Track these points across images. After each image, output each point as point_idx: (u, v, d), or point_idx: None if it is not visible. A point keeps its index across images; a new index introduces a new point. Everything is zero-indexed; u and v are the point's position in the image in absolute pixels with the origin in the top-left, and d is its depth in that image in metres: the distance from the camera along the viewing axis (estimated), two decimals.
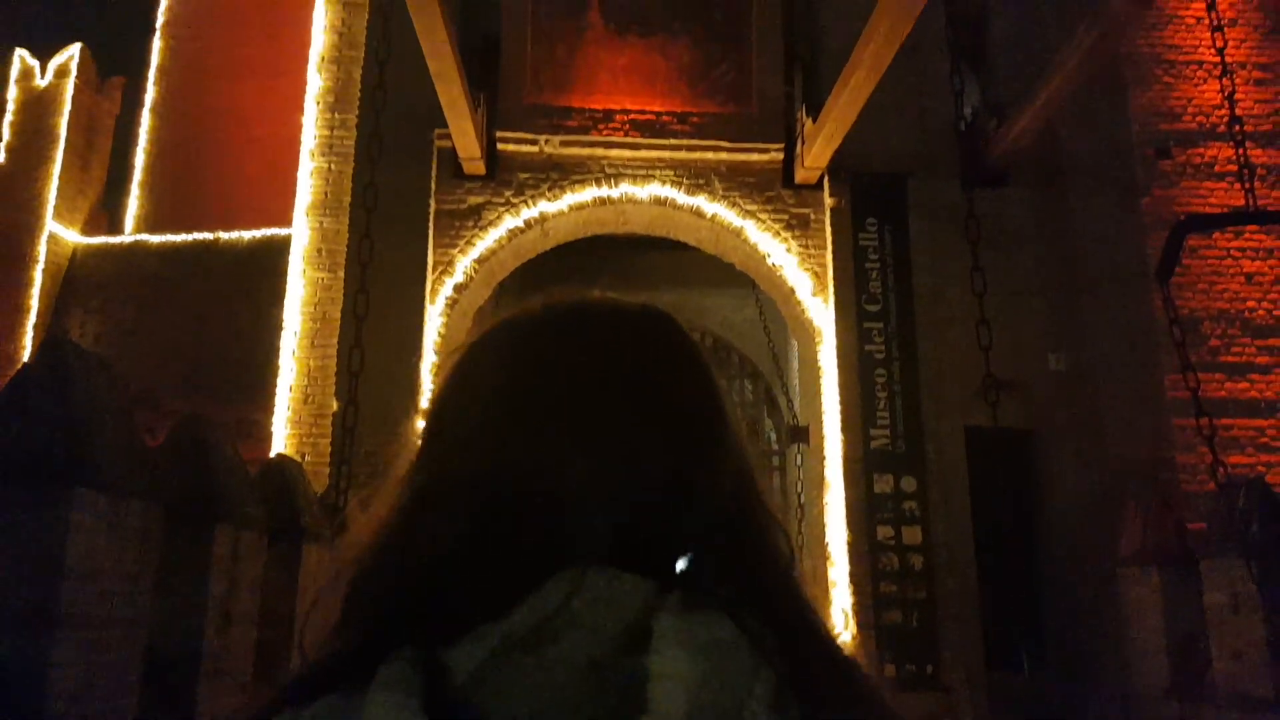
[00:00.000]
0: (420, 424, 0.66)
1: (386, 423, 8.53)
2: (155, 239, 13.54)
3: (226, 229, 13.21)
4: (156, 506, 3.35)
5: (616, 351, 0.60)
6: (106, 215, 14.45)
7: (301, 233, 8.75)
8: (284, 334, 8.65)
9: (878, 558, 8.57)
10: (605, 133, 8.94)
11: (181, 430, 4.07)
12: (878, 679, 0.62)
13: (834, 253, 9.06)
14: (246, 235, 13.19)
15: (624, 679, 0.49)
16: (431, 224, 8.73)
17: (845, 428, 8.83)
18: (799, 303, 9.13)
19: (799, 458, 10.39)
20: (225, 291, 12.56)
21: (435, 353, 8.84)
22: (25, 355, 12.08)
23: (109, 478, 3.12)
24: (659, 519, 0.55)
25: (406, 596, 0.56)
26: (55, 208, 12.86)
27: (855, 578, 8.49)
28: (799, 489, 10.40)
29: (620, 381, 0.58)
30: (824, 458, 9.04)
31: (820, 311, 9.09)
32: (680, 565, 0.55)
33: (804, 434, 10.24)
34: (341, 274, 8.54)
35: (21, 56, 13.25)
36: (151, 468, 3.48)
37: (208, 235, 13.29)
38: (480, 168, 8.62)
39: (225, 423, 10.56)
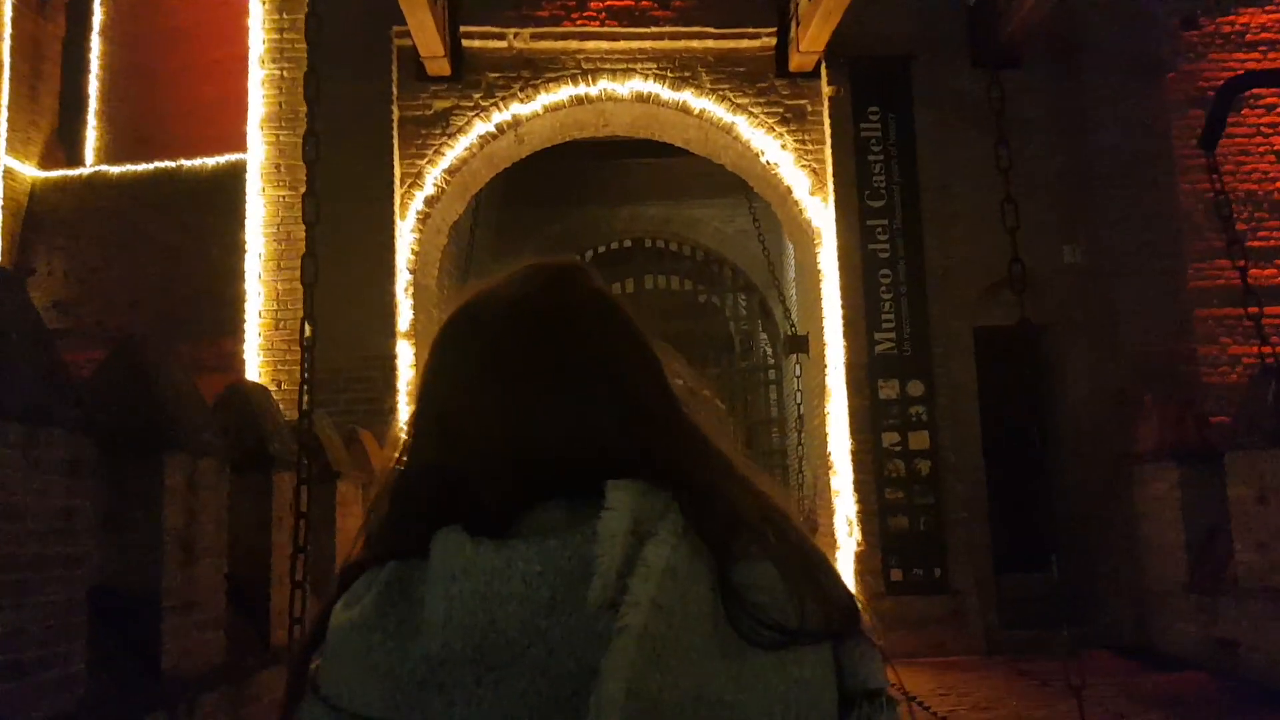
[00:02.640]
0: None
1: (360, 345, 8.09)
2: (116, 170, 12.90)
3: (189, 156, 12.58)
4: (86, 436, 2.95)
5: (578, 327, 0.76)
6: (64, 147, 13.76)
7: (257, 149, 8.16)
8: (247, 257, 8.13)
9: (884, 464, 8.25)
10: (580, 22, 8.28)
11: (119, 355, 3.63)
12: (800, 533, 0.75)
13: (833, 146, 8.51)
14: (210, 162, 12.55)
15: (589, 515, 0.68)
16: (396, 133, 8.13)
17: (848, 333, 8.41)
18: (796, 203, 8.61)
19: (798, 368, 10.00)
20: (193, 222, 11.98)
21: (409, 270, 8.34)
22: None
23: (20, 405, 2.69)
24: (609, 443, 0.72)
25: (441, 504, 0.72)
26: (7, 140, 12.15)
27: (860, 485, 8.17)
28: (798, 400, 10.04)
29: (582, 350, 0.75)
30: (825, 365, 8.64)
31: (819, 211, 8.58)
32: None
33: (803, 343, 9.83)
34: (304, 191, 7.96)
35: None
36: (79, 394, 3.05)
37: (170, 164, 12.65)
38: (445, 68, 7.98)
39: (205, 358, 10.13)
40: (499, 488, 0.71)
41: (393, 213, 8.09)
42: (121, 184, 12.71)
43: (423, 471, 0.75)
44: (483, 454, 0.72)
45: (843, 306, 8.44)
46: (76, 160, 13.73)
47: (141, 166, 12.77)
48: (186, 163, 12.64)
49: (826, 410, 8.59)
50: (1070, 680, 3.87)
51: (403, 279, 8.28)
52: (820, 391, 9.05)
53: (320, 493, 5.63)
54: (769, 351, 16.63)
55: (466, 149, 8.23)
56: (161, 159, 12.67)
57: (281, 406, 7.35)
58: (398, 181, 8.14)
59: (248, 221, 8.18)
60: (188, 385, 3.87)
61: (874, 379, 8.38)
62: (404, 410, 8.51)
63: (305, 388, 4.20)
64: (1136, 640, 8.16)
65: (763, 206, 11.17)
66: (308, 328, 4.19)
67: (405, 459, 0.78)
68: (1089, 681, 3.96)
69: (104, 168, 13.13)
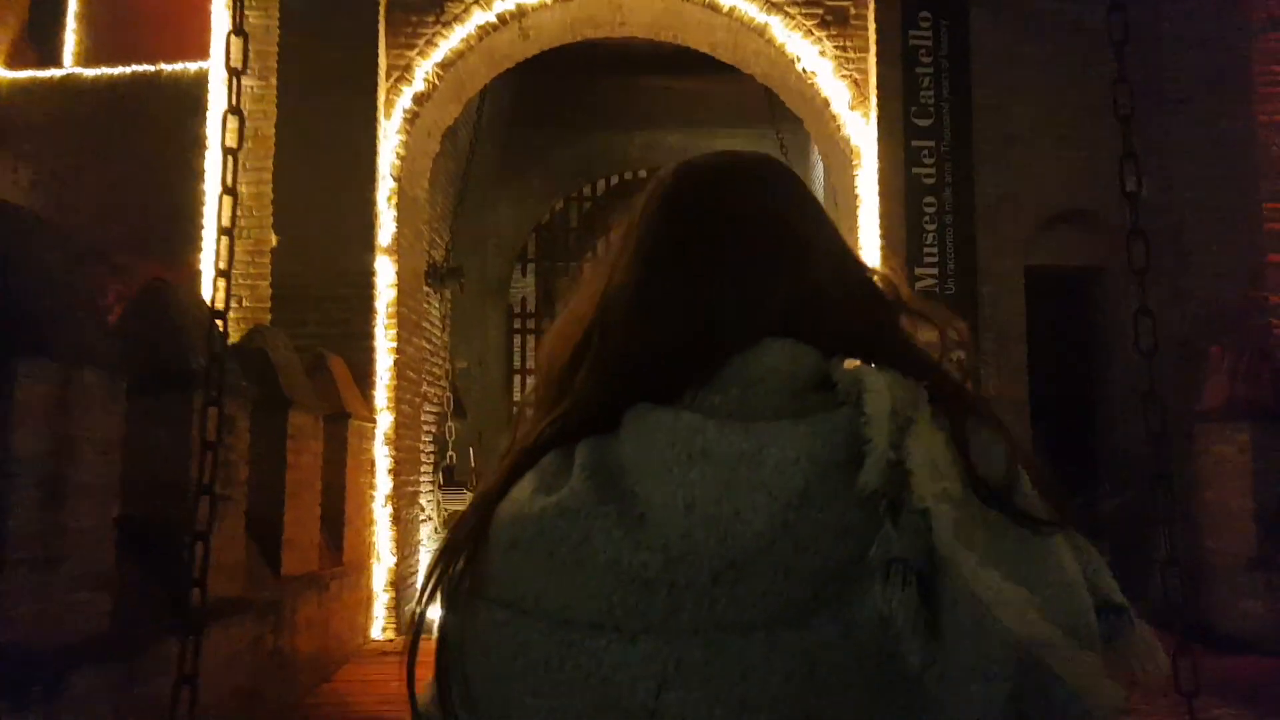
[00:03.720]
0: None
1: (334, 260, 7.20)
2: (91, 73, 11.92)
3: (169, 60, 11.58)
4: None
5: (747, 195, 0.71)
6: (36, 50, 12.78)
7: (222, 31, 7.15)
8: (208, 154, 7.20)
9: None
10: None
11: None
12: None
13: (878, 56, 7.48)
14: (193, 66, 11.50)
15: (821, 400, 0.61)
16: (382, 18, 7.12)
17: (886, 267, 7.44)
18: (834, 118, 7.61)
19: None
20: (172, 130, 10.99)
21: (394, 177, 7.40)
22: None
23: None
24: (803, 316, 0.66)
25: (632, 373, 0.65)
26: None
27: None
28: None
29: (751, 217, 0.70)
30: None
31: (859, 128, 7.58)
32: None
33: None
34: (274, 80, 7.01)
35: None
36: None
37: (149, 68, 11.65)
38: None
39: (180, 278, 9.23)
40: (691, 363, 0.64)
41: (375, 109, 7.12)
42: (96, 88, 11.75)
43: (618, 347, 0.66)
44: (676, 329, 0.65)
45: (881, 237, 7.49)
46: (51, 64, 12.77)
47: (118, 70, 11.79)
48: (167, 67, 11.63)
49: None
50: (1180, 687, 3.02)
51: (385, 186, 7.34)
52: None
53: (267, 424, 4.79)
54: None
55: (463, 40, 7.23)
56: (141, 63, 11.70)
57: (242, 327, 6.49)
58: (383, 74, 7.16)
59: (208, 114, 7.24)
60: (64, 276, 2.99)
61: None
62: (382, 335, 7.64)
63: (220, 281, 3.30)
64: (1191, 618, 7.31)
65: (793, 142, 10.17)
66: (223, 248, 3.27)
67: (592, 338, 0.68)
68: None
69: (78, 70, 12.16)
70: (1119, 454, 7.92)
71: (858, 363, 0.62)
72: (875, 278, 0.73)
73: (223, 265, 3.27)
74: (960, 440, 0.60)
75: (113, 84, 11.54)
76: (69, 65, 12.70)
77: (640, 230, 0.71)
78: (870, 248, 7.59)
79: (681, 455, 0.57)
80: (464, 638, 0.59)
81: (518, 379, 14.11)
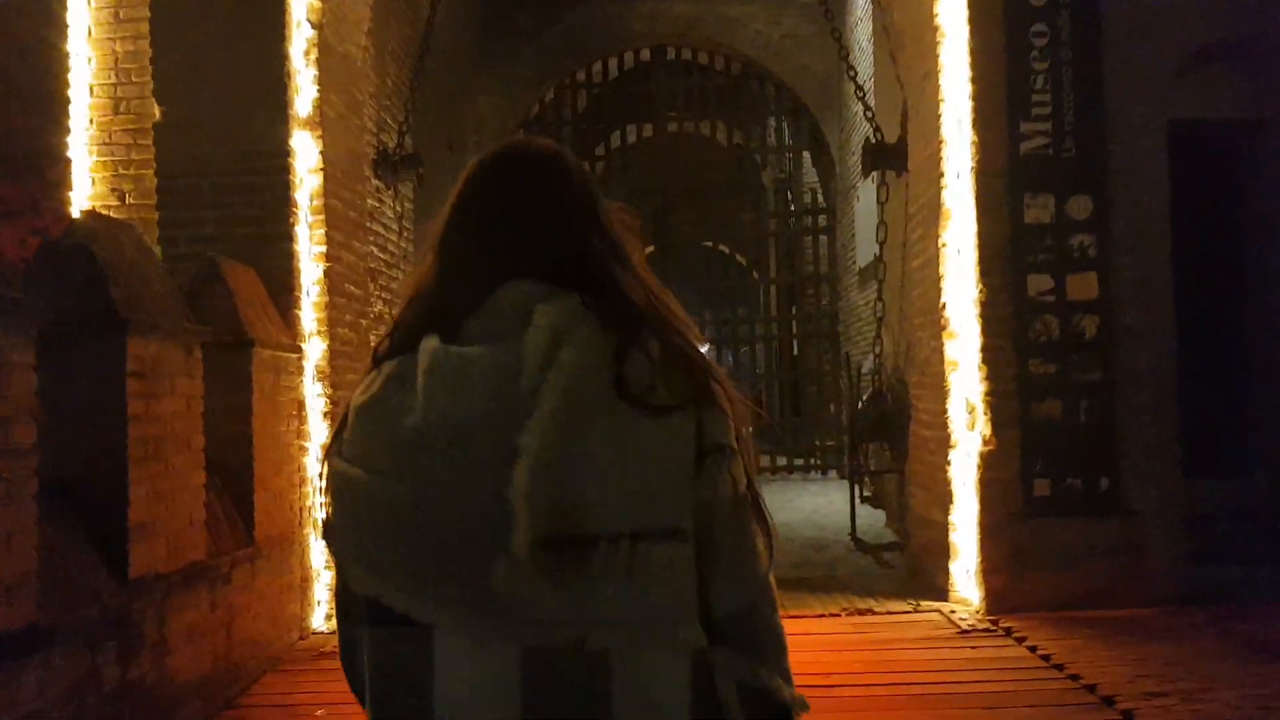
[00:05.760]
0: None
1: (238, 136, 5.32)
2: None
3: None
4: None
5: (530, 180, 1.03)
6: None
7: None
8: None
9: (1028, 322, 5.52)
10: None
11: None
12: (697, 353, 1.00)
13: None
14: None
15: (525, 325, 0.94)
16: None
17: (980, 123, 5.54)
18: None
19: (883, 193, 7.15)
20: None
21: (312, 23, 5.47)
22: None
23: None
24: (548, 266, 0.99)
25: (433, 316, 0.99)
26: None
27: (990, 354, 5.48)
28: (880, 236, 7.23)
29: (533, 197, 1.03)
30: (942, 174, 5.81)
31: None
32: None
33: (892, 155, 6.96)
34: None
35: None
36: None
37: None
38: None
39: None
40: (471, 299, 0.98)
41: None
42: None
43: (426, 291, 1.02)
44: (467, 272, 1.00)
45: (972, 81, 5.54)
46: None
47: None
48: None
49: (942, 241, 5.80)
50: None
51: (300, 37, 5.43)
52: (924, 218, 6.26)
53: (91, 358, 3.02)
54: (819, 195, 13.68)
55: None
56: None
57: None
58: None
59: None
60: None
61: (1017, 194, 5.57)
62: (305, 236, 5.80)
63: None
64: None
65: None
66: None
67: (424, 282, 1.02)
68: None
69: None
70: None
71: (570, 297, 0.95)
72: (597, 241, 1.01)
73: None
74: (618, 352, 0.92)
75: None
76: None
77: (450, 210, 1.04)
78: (956, 98, 5.66)
79: (430, 368, 0.93)
80: (327, 484, 0.97)
81: None
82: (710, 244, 16.13)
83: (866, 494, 8.88)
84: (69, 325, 3.21)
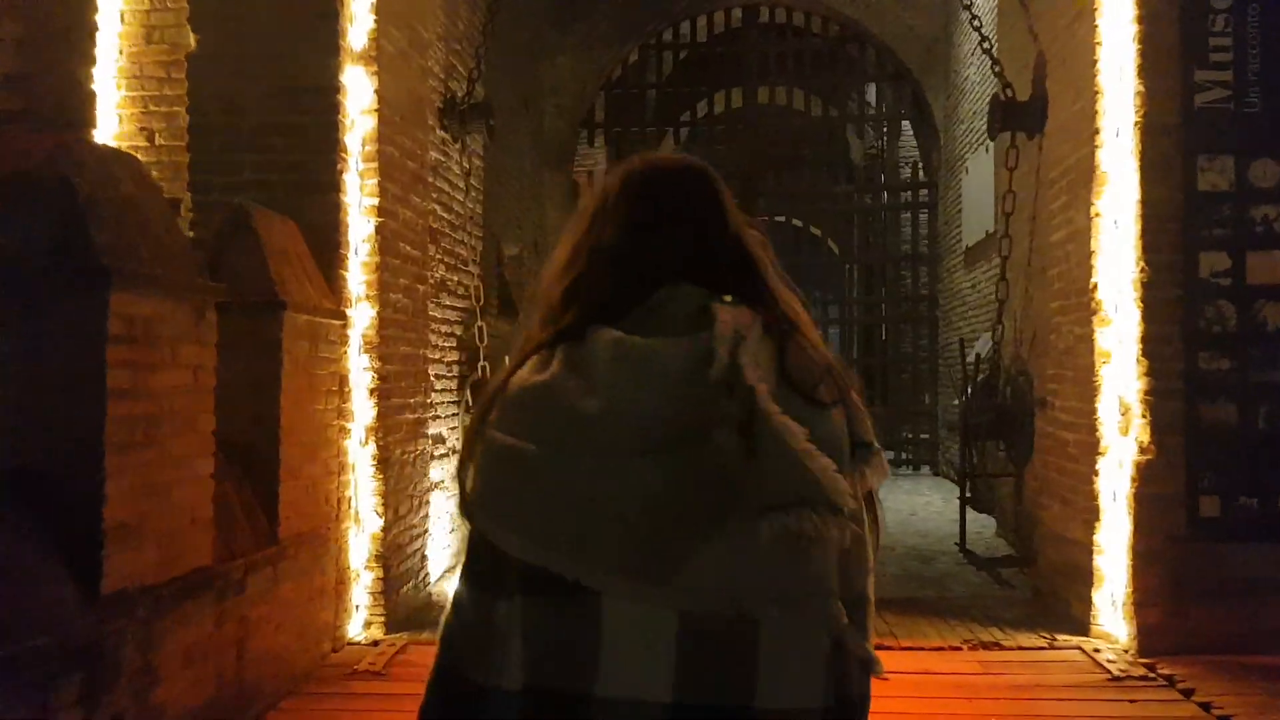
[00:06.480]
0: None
1: (279, 70, 4.70)
2: None
3: None
4: None
5: (692, 190, 1.09)
6: None
7: None
8: None
9: (1198, 309, 4.60)
10: None
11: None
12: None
13: None
14: None
15: (699, 323, 0.98)
16: None
17: (1145, 70, 4.61)
18: None
19: (1012, 156, 6.22)
20: None
21: None
22: None
23: None
24: (707, 273, 1.04)
25: (595, 308, 1.02)
26: None
27: (1150, 343, 4.58)
28: (1009, 207, 6.30)
29: (697, 206, 1.09)
30: (1094, 134, 4.89)
31: None
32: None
33: (1025, 113, 6.03)
34: None
35: None
36: None
37: None
38: None
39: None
40: (637, 296, 1.01)
41: None
42: None
43: (586, 285, 1.05)
44: (630, 271, 1.04)
45: (1138, 21, 4.62)
46: None
47: None
48: None
49: (1094, 211, 4.89)
50: None
51: None
52: (1068, 185, 5.34)
53: (62, 318, 2.40)
54: (919, 167, 12.65)
55: None
56: None
57: (157, 176, 4.06)
58: None
59: None
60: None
61: (1189, 155, 4.63)
62: (355, 187, 5.15)
63: None
64: None
65: None
66: None
67: (573, 275, 1.06)
68: None
69: None
70: None
71: (729, 299, 1.02)
72: (751, 248, 1.09)
73: None
74: (781, 351, 0.98)
75: None
76: None
77: (614, 211, 1.07)
78: (1115, 41, 4.73)
79: (615, 355, 0.96)
80: (480, 458, 0.97)
81: None
82: (783, 218, 15.26)
83: (967, 494, 7.98)
84: (35, 275, 2.59)
